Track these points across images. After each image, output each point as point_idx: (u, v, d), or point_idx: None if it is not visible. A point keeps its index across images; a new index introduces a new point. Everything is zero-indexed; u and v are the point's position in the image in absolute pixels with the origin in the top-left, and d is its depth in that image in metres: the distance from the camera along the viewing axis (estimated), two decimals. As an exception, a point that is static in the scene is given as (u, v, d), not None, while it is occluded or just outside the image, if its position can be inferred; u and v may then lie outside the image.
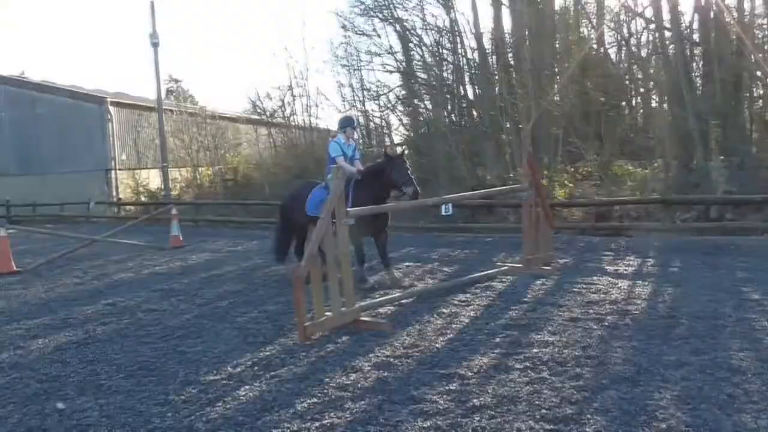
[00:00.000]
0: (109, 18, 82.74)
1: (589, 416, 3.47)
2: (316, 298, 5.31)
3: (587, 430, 3.32)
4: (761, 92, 14.69)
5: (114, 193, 22.69)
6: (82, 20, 79.29)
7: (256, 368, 4.57)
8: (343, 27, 19.32)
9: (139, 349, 5.22)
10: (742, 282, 6.69)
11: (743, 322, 5.16)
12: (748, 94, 14.55)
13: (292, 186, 10.71)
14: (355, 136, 8.17)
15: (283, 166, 19.66)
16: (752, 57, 13.19)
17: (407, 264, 8.89)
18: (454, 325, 5.47)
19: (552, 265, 7.85)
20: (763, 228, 9.80)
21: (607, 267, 7.90)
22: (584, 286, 6.75)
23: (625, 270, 7.71)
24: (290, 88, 20.62)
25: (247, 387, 4.18)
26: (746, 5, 13.74)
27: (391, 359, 4.61)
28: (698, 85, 14.55)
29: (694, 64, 15.02)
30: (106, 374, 4.62)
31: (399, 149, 9.36)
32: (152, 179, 23.35)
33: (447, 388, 3.99)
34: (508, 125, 15.35)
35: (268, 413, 3.74)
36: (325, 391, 4.05)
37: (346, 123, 7.96)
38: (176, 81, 45.45)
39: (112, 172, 23.09)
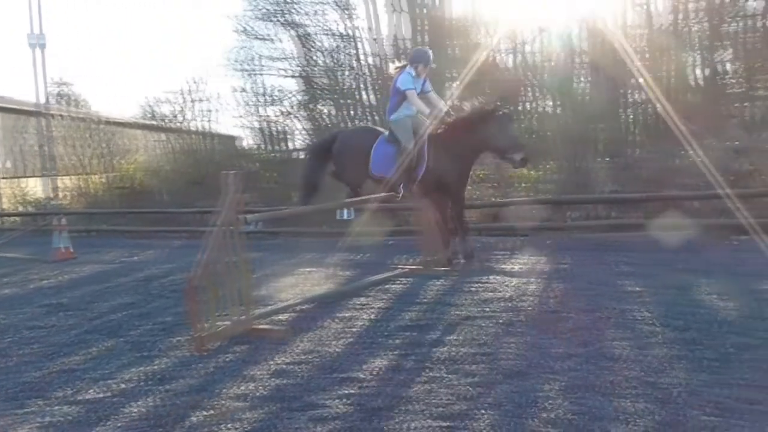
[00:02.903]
0: (-12, 17, 77.56)
1: (482, 411, 3.57)
2: (212, 307, 5.18)
3: (480, 424, 3.41)
4: (641, 97, 15.68)
5: (-5, 204, 21.28)
6: (-43, 19, 73.93)
7: (148, 383, 4.40)
8: (241, 31, 19.01)
9: (23, 369, 4.91)
10: (625, 276, 7.11)
11: (625, 313, 5.47)
12: (630, 100, 15.53)
13: (339, 129, 8.94)
14: (423, 72, 6.75)
15: (181, 173, 19.04)
16: (632, 64, 14.05)
17: (306, 269, 8.83)
18: (352, 329, 5.48)
19: (450, 266, 8.02)
20: (643, 225, 10.43)
21: (502, 266, 8.17)
22: (480, 285, 6.94)
23: (519, 269, 8.00)
24: (188, 92, 20.08)
25: (138, 403, 4.02)
26: (628, 17, 14.65)
27: (289, 366, 4.57)
28: (585, 90, 15.36)
29: (582, 71, 15.86)
30: (-17, 398, 4.32)
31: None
32: (38, 188, 22.04)
33: (345, 392, 3.99)
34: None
35: (161, 428, 3.60)
36: (221, 402, 3.96)
37: (419, 57, 6.71)
38: (67, 84, 43.16)
39: (-7, 181, 21.65)
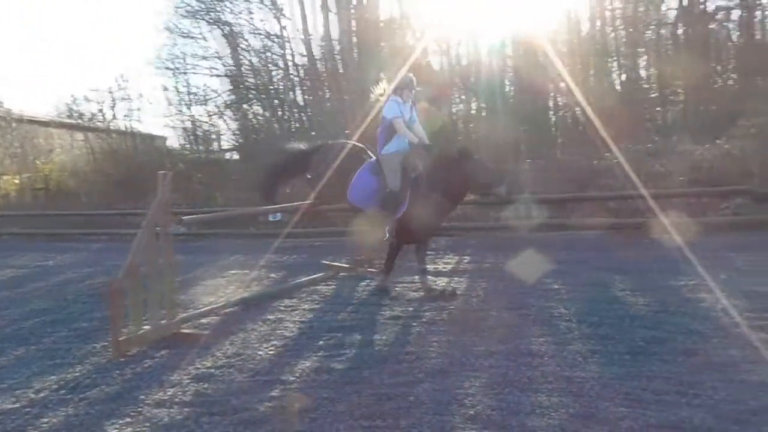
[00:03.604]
0: None
1: (405, 410, 3.61)
2: (135, 311, 5.04)
3: (402, 423, 3.45)
4: (564, 101, 16.23)
5: None
6: None
7: (62, 392, 4.23)
8: (168, 29, 18.57)
9: (-76, 382, 4.64)
10: (545, 274, 7.32)
11: (544, 310, 5.65)
12: (552, 103, 16.08)
13: (321, 142, 8.03)
14: (409, 98, 6.59)
15: (103, 174, 18.40)
16: (556, 70, 14.53)
17: (233, 272, 8.70)
18: (278, 331, 5.44)
19: (377, 267, 8.06)
20: (564, 224, 10.79)
21: (428, 266, 8.26)
22: (406, 285, 7.02)
23: (444, 268, 8.14)
24: (111, 91, 19.44)
25: (51, 413, 3.86)
26: (553, 24, 15.18)
27: (212, 370, 4.49)
28: (511, 93, 15.79)
29: (508, 75, 16.29)
30: None
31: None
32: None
33: (269, 395, 3.96)
34: (335, 130, 15.59)
35: (74, 439, 3.49)
36: (140, 409, 3.85)
37: (403, 83, 6.53)
38: (-23, 81, 41.06)
39: None
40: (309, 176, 7.06)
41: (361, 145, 7.05)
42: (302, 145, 7.73)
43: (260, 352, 4.86)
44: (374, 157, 6.65)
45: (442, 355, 4.55)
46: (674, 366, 4.09)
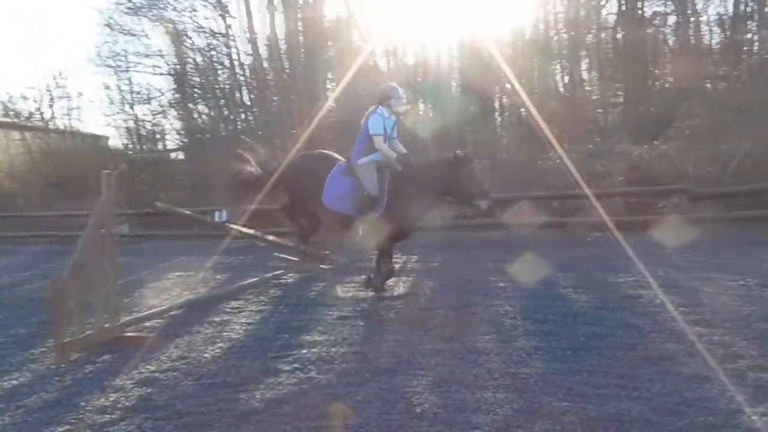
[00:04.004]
0: None
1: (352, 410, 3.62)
2: (78, 314, 4.90)
3: (350, 422, 3.46)
4: (508, 102, 16.53)
5: None
6: None
7: (-2, 400, 4.10)
8: (108, 25, 18.10)
9: None
10: (491, 272, 7.45)
11: (490, 308, 5.74)
12: (498, 104, 16.36)
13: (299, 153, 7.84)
14: (401, 109, 6.61)
15: (41, 174, 17.83)
16: (501, 71, 14.78)
17: (178, 273, 8.56)
18: (225, 333, 5.37)
19: (326, 267, 8.06)
20: (509, 224, 10.98)
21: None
22: (354, 284, 7.03)
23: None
24: (48, 89, 18.83)
25: (-16, 423, 3.73)
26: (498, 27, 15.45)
27: (157, 374, 4.40)
28: (456, 95, 15.98)
29: (454, 76, 16.50)
30: None
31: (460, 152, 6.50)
32: None
33: (215, 397, 3.90)
34: (282, 130, 15.50)
35: (10, 448, 3.38)
36: (81, 415, 3.74)
37: (389, 93, 6.38)
38: None
39: None
40: (286, 195, 6.97)
41: (328, 152, 6.98)
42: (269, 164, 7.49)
43: (206, 355, 4.79)
44: (343, 160, 6.58)
45: (389, 354, 4.58)
46: (614, 360, 4.21)
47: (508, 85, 15.43)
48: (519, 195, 11.14)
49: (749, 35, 14.91)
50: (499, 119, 16.37)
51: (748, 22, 14.87)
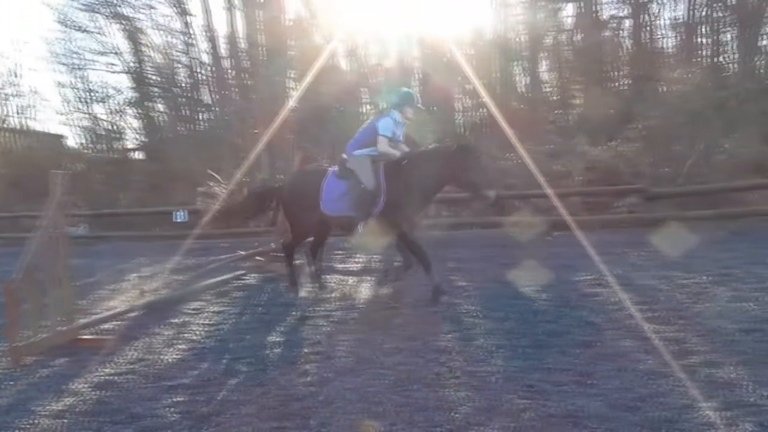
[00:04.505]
0: None
1: (314, 410, 3.61)
2: (32, 317, 4.78)
3: (311, 423, 3.44)
4: (469, 102, 16.69)
5: None
6: None
7: (-55, 407, 3.97)
8: (61, 22, 17.68)
9: None
10: (453, 271, 7.51)
11: (451, 307, 5.78)
12: (459, 105, 16.51)
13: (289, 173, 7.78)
14: (413, 116, 6.34)
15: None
16: (462, 71, 14.92)
17: (136, 275, 8.41)
18: (184, 335, 5.31)
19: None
20: (471, 223, 11.09)
21: (338, 265, 8.31)
22: (316, 285, 7.00)
23: (354, 267, 8.18)
24: (1, 86, 18.32)
25: (-68, 430, 3.62)
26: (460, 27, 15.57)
27: (114, 377, 4.33)
28: (418, 95, 16.06)
29: (415, 76, 16.56)
30: None
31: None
32: None
33: (173, 400, 3.85)
34: (243, 130, 15.36)
35: (-40, 456, 3.28)
36: (35, 421, 3.66)
37: (406, 100, 6.20)
38: None
39: None
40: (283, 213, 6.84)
41: (317, 164, 6.87)
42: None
43: (165, 357, 4.72)
44: (334, 166, 6.46)
45: (351, 353, 4.58)
46: (573, 357, 4.28)
47: (469, 86, 15.58)
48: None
49: (701, 39, 15.31)
50: (460, 119, 16.49)
51: (700, 27, 15.27)
